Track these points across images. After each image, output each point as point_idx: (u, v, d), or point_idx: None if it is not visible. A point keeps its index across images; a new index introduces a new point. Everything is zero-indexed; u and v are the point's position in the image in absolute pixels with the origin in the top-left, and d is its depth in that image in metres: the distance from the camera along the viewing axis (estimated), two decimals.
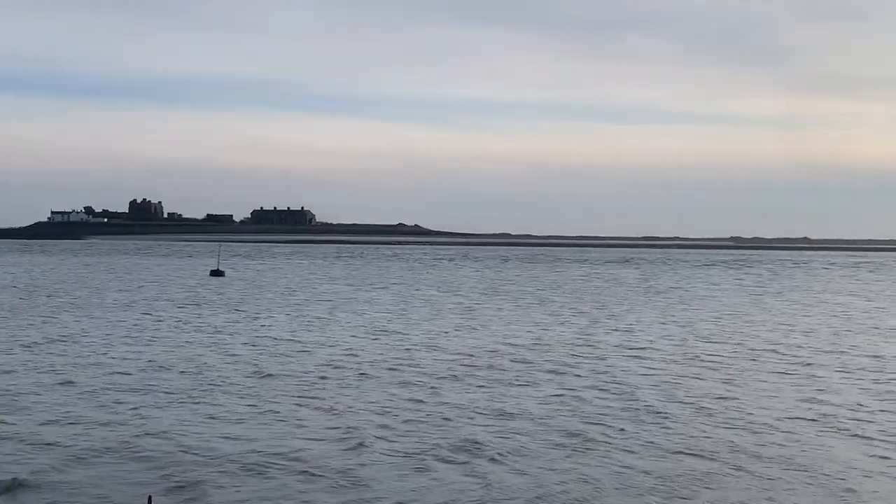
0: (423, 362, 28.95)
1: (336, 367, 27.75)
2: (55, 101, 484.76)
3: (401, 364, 28.47)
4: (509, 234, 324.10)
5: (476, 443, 17.91)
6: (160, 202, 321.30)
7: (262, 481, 15.33)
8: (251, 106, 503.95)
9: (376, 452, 17.20)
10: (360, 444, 17.72)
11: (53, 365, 27.45)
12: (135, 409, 20.91)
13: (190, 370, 26.84)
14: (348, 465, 16.32)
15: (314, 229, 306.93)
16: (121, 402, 21.65)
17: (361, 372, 27.00)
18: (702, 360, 30.01)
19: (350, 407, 21.54)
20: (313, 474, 15.73)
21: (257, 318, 43.66)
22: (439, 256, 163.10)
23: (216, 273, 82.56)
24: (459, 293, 64.32)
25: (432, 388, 24.30)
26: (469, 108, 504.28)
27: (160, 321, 41.35)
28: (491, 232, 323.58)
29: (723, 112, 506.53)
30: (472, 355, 30.65)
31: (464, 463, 16.59)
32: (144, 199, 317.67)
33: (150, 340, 34.03)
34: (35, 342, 33.02)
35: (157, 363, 28.11)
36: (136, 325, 39.71)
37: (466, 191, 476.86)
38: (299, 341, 34.45)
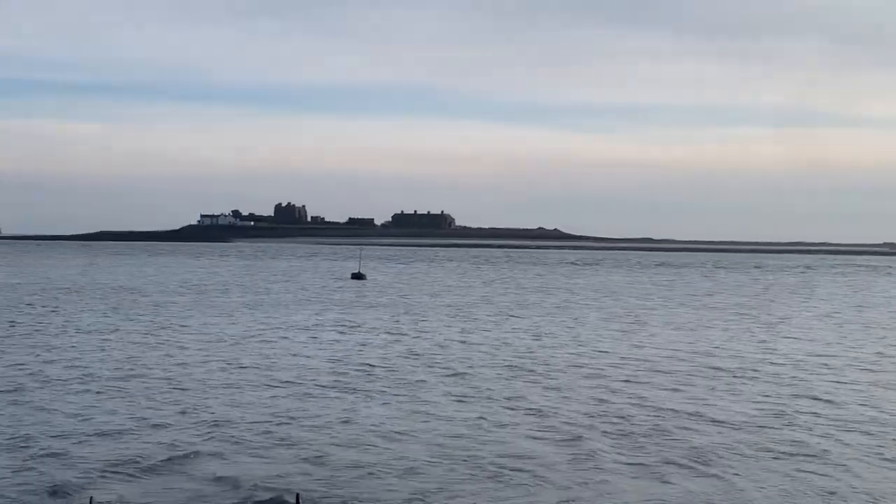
0: (602, 366, 27.47)
1: (520, 369, 26.62)
2: (205, 109, 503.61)
3: (587, 367, 27.09)
4: (651, 239, 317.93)
5: (697, 449, 16.87)
6: (304, 206, 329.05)
7: (496, 484, 14.52)
8: (392, 111, 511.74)
9: (601, 457, 16.23)
10: (589, 451, 16.72)
11: (243, 362, 27.34)
12: (338, 409, 20.28)
13: (384, 369, 26.37)
14: (575, 470, 15.40)
15: (454, 233, 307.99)
16: (325, 400, 21.09)
17: (549, 374, 25.87)
18: None
19: (557, 409, 20.54)
20: (542, 477, 14.85)
21: (421, 319, 42.93)
22: (587, 261, 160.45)
23: (357, 276, 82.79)
24: (619, 297, 62.38)
25: (628, 391, 23.05)
26: (609, 111, 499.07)
27: (325, 321, 41.17)
28: (632, 236, 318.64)
29: (868, 114, 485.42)
30: (659, 360, 28.96)
31: (691, 470, 15.48)
32: (289, 203, 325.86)
33: (329, 341, 33.74)
34: (218, 340, 33.26)
35: (347, 362, 27.72)
36: (303, 326, 39.59)
37: (606, 195, 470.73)
38: (472, 342, 33.44)
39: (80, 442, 16.93)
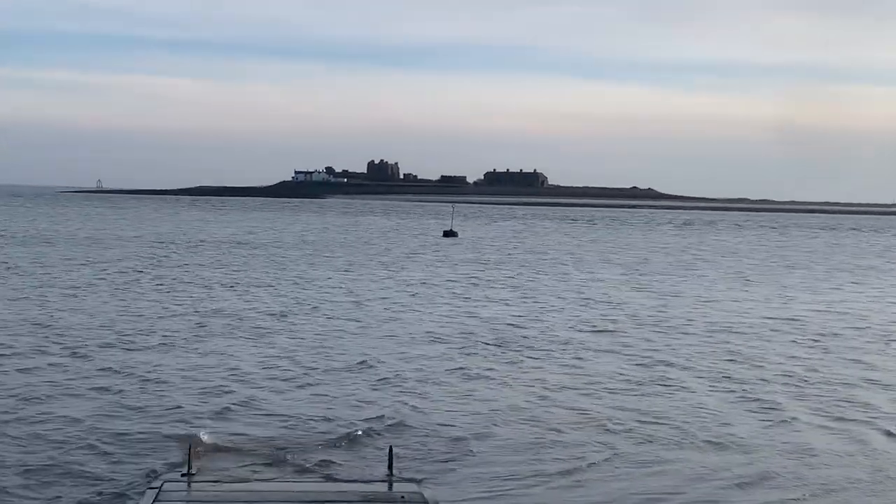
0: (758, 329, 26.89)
1: (662, 326, 26.16)
2: (300, 65, 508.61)
3: (727, 324, 26.55)
4: (748, 200, 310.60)
5: None
6: (396, 163, 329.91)
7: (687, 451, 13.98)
8: (485, 69, 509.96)
9: (795, 422, 15.67)
10: (785, 417, 16.00)
11: (375, 316, 27.65)
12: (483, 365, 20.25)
13: (519, 326, 26.21)
14: (769, 432, 14.91)
15: (546, 192, 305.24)
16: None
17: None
18: None
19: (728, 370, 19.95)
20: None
21: (534, 276, 42.68)
22: (691, 221, 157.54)
23: (449, 234, 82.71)
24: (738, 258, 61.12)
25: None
26: (706, 69, 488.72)
27: (439, 278, 41.34)
28: (728, 197, 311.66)
29: None
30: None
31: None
32: (382, 160, 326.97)
33: (453, 297, 33.91)
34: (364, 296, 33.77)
35: (480, 319, 27.73)
36: (422, 281, 39.93)
37: (701, 154, 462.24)
38: (597, 300, 33.10)
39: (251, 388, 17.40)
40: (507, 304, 31.99)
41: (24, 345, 21.33)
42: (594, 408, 16.47)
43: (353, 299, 32.55)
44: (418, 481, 11.24)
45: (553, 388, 18.15)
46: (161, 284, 35.61)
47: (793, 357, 22.26)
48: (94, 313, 27.02)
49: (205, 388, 17.42)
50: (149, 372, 18.63)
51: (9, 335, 22.56)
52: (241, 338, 23.38)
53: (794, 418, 15.92)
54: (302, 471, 12.08)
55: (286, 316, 27.61)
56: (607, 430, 14.93)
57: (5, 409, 15.35)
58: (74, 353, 20.59)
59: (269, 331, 24.64)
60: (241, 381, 18.19)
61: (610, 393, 17.86)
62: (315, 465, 12.43)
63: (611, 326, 26.88)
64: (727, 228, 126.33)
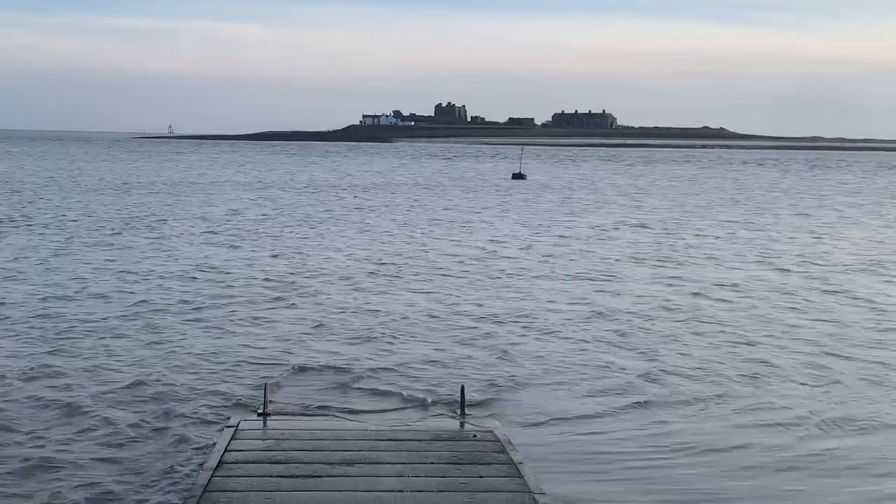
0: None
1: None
2: (368, 9, 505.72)
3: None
4: (821, 138, 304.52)
5: None
6: (464, 106, 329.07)
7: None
8: (553, 10, 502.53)
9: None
10: None
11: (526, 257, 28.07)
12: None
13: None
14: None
15: (615, 133, 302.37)
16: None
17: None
18: None
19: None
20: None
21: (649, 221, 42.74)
22: (771, 161, 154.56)
23: (518, 176, 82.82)
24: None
25: None
26: (777, 5, 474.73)
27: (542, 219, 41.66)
28: (800, 135, 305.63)
29: None
30: None
31: None
32: (449, 103, 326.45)
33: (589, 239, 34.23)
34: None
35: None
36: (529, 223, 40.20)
37: (772, 93, 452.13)
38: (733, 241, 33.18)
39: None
40: (637, 245, 32.11)
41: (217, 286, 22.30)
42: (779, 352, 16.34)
43: (486, 238, 33.13)
44: (490, 421, 11.38)
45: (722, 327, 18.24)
46: (295, 227, 36.54)
47: None
48: (256, 255, 28.02)
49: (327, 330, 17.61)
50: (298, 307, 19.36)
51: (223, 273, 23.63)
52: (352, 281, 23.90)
53: None
54: (376, 409, 12.32)
55: (415, 258, 28.21)
56: (819, 384, 14.18)
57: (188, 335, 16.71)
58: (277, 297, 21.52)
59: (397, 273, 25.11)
60: (366, 322, 18.37)
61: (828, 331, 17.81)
62: (393, 403, 12.72)
63: (764, 272, 26.95)
64: (813, 168, 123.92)
